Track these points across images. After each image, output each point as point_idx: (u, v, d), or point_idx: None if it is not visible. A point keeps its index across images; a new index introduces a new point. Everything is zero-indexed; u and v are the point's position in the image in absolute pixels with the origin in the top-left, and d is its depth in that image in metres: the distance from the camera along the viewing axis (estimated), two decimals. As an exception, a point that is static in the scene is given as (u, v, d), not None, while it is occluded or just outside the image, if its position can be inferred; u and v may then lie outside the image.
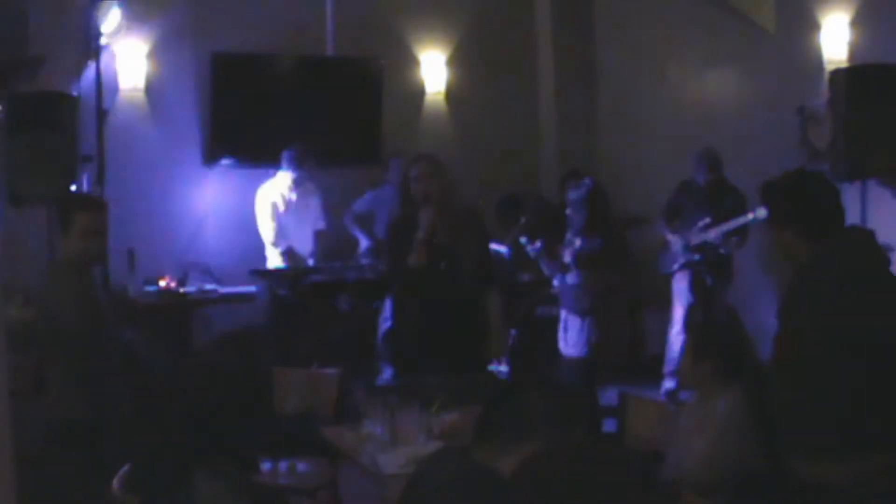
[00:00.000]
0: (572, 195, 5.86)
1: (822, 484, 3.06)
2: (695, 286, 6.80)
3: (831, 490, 3.04)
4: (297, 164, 7.09)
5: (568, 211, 5.90)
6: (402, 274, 4.91)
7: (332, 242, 7.53)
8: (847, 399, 3.05)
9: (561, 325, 5.83)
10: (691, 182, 6.93)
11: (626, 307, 6.28)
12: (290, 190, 7.16)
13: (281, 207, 7.14)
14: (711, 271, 6.76)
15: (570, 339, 5.73)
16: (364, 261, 7.35)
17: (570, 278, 5.76)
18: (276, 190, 7.16)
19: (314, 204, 7.32)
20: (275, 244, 7.12)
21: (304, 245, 7.26)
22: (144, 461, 2.85)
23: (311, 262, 7.26)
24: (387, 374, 6.75)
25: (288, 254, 7.10)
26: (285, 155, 7.11)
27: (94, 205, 4.16)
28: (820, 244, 3.17)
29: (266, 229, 7.14)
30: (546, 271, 6.29)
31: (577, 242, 5.73)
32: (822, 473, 3.07)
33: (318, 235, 7.36)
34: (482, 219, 5.21)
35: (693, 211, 6.81)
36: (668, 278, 6.98)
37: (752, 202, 6.86)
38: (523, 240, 6.49)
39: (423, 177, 4.86)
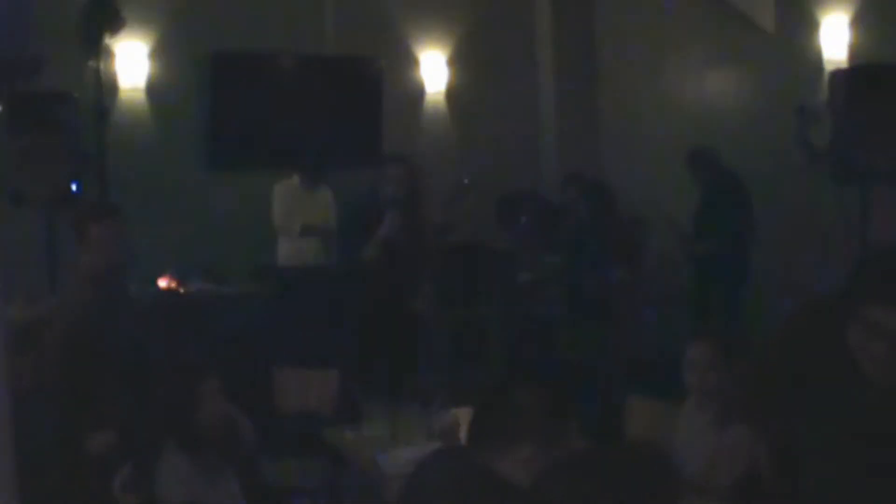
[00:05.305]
0: (583, 197, 5.69)
1: None
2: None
3: None
4: (307, 184, 7.10)
5: (579, 213, 5.72)
6: (351, 268, 4.88)
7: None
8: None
9: (574, 330, 5.69)
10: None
11: (641, 308, 6.21)
12: (300, 190, 7.15)
13: (291, 204, 7.11)
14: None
15: (589, 344, 5.60)
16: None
17: (588, 281, 5.62)
18: (289, 185, 7.15)
19: (323, 204, 7.27)
20: (287, 228, 7.08)
21: (311, 244, 7.22)
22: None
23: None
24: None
25: (304, 228, 7.00)
26: (297, 173, 7.10)
27: (106, 214, 4.18)
28: None
29: (278, 216, 7.08)
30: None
31: (594, 244, 5.58)
32: None
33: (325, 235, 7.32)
34: (448, 230, 5.15)
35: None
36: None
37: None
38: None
39: (394, 179, 4.81)
